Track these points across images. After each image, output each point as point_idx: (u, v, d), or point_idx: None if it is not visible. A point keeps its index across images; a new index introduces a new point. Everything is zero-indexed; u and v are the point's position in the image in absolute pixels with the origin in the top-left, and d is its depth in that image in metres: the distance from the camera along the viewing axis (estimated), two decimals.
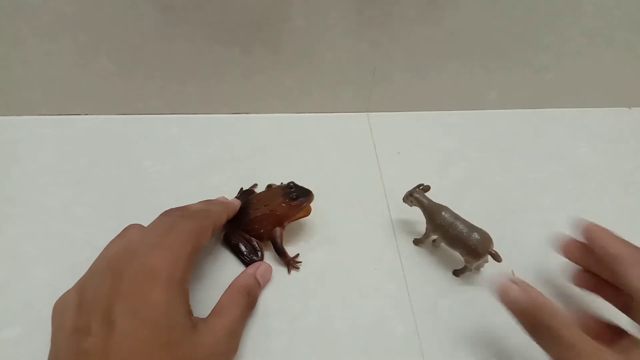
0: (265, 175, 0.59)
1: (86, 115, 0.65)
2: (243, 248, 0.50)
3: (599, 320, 0.42)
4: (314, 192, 0.50)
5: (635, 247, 0.40)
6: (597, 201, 0.59)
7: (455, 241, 0.48)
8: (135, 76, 0.61)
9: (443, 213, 0.48)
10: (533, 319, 0.36)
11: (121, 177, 0.58)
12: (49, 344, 0.39)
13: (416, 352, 0.45)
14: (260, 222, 0.50)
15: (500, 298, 0.39)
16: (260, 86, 0.64)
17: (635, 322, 0.37)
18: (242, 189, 0.57)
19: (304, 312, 0.47)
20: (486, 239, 0.47)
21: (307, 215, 0.51)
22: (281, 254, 0.49)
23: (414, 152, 0.64)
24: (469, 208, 0.57)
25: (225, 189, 0.57)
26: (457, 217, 0.48)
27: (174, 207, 0.46)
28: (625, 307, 0.41)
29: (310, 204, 0.50)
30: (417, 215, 0.53)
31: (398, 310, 0.48)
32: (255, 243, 0.50)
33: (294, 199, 0.48)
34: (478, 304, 0.48)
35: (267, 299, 0.47)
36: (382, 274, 0.50)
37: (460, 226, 0.47)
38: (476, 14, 0.60)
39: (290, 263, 0.49)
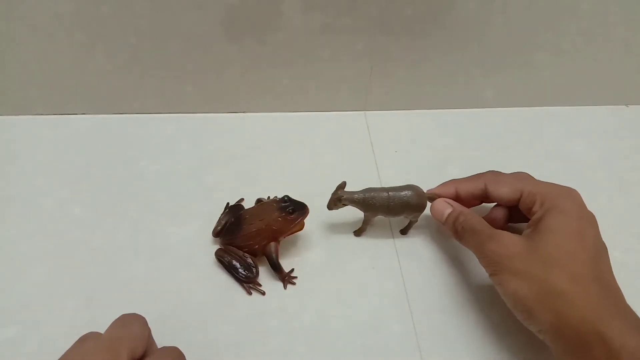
0: (262, 174, 0.59)
1: (82, 115, 0.64)
2: (237, 265, 0.48)
3: (502, 213, 0.50)
4: (308, 206, 0.49)
5: (483, 172, 0.51)
6: (595, 199, 0.59)
7: (398, 209, 0.50)
8: (131, 75, 0.61)
9: (374, 194, 0.49)
10: (459, 223, 0.47)
11: (117, 177, 0.58)
12: (45, 344, 0.38)
13: (414, 351, 0.45)
14: (254, 238, 0.48)
15: (436, 215, 0.50)
16: (257, 85, 0.64)
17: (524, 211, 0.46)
18: (228, 204, 0.55)
19: (302, 311, 0.47)
20: (418, 190, 0.50)
21: (301, 230, 0.50)
22: (277, 269, 0.48)
23: (411, 150, 0.64)
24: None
25: (222, 188, 0.57)
26: (385, 189, 0.50)
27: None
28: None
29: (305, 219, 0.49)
30: None
31: (396, 309, 0.48)
32: (249, 260, 0.49)
33: (290, 213, 0.48)
34: (476, 303, 0.48)
35: (264, 298, 0.47)
36: (379, 273, 0.50)
37: (396, 194, 0.49)
38: (473, 12, 0.59)
39: (286, 279, 0.48)
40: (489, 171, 0.51)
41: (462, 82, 0.67)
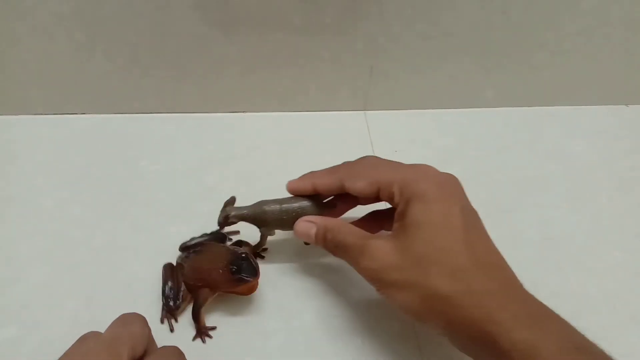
0: (262, 174, 0.59)
1: (82, 115, 0.64)
2: (167, 289, 0.46)
3: (374, 214, 0.48)
4: (259, 275, 0.43)
5: (342, 164, 0.47)
6: (594, 199, 0.59)
7: (293, 222, 0.46)
8: (131, 75, 0.61)
9: (266, 207, 0.46)
10: (328, 241, 0.43)
11: (117, 177, 0.58)
12: (45, 344, 0.38)
13: (414, 350, 0.45)
14: (194, 274, 0.46)
15: (302, 237, 0.45)
16: (257, 85, 0.64)
17: (387, 202, 0.43)
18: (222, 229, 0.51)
19: (301, 310, 0.47)
20: (314, 199, 0.47)
21: (248, 294, 0.45)
22: (195, 318, 0.44)
23: (411, 150, 0.63)
24: None
25: (222, 188, 0.57)
26: (279, 201, 0.47)
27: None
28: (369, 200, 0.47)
29: (257, 283, 0.44)
30: None
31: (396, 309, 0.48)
32: (182, 291, 0.46)
33: (232, 272, 0.42)
34: None
35: (263, 298, 0.47)
36: None
37: (289, 206, 0.46)
38: (473, 12, 0.59)
39: (202, 331, 0.44)
40: (344, 163, 0.47)
41: (462, 82, 0.67)
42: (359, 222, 0.47)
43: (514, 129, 0.68)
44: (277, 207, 0.46)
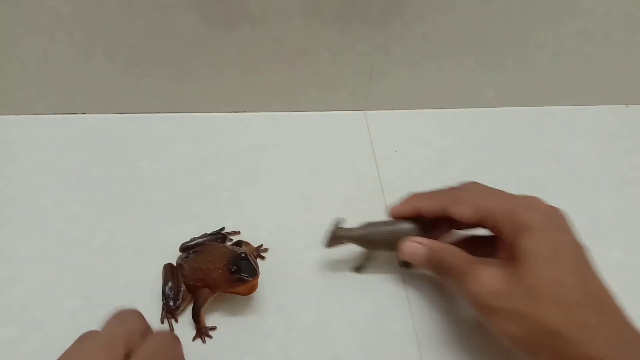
0: (262, 174, 0.59)
1: (82, 115, 0.64)
2: (167, 289, 0.46)
3: (472, 240, 0.48)
4: (259, 275, 0.43)
5: (447, 189, 0.47)
6: (594, 199, 0.59)
7: (397, 243, 0.46)
8: (131, 75, 0.61)
9: (375, 229, 0.47)
10: (435, 262, 0.43)
11: (118, 177, 0.58)
12: (45, 344, 0.38)
13: (414, 350, 0.45)
14: (194, 274, 0.46)
15: (408, 258, 0.46)
16: (257, 85, 0.64)
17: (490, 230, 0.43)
18: (223, 228, 0.52)
19: (301, 310, 0.47)
20: (418, 221, 0.47)
21: (247, 294, 0.45)
22: (195, 318, 0.44)
23: (411, 150, 0.63)
24: None
25: (222, 188, 0.57)
26: (385, 223, 0.47)
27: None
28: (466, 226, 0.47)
29: (256, 283, 0.44)
30: None
31: (395, 308, 0.48)
32: (182, 292, 0.46)
33: (232, 272, 0.43)
34: None
35: (263, 297, 0.47)
36: (379, 272, 0.50)
37: (397, 228, 0.47)
38: (473, 12, 0.59)
39: (202, 331, 0.44)
40: (448, 188, 0.47)
41: (462, 82, 0.67)
42: (455, 244, 0.46)
43: (514, 128, 0.68)
44: (385, 229, 0.47)
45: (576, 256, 0.38)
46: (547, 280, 0.36)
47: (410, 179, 0.59)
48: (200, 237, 0.51)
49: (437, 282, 0.50)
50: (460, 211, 0.43)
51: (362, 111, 0.68)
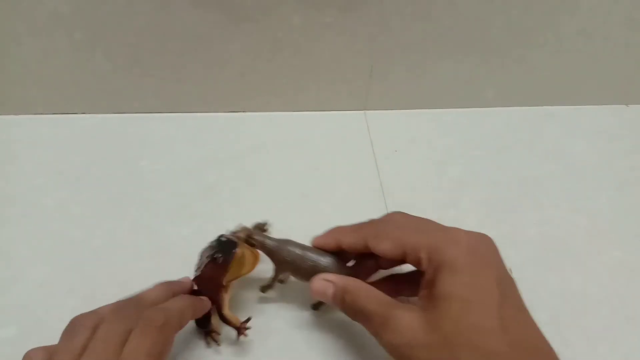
0: (262, 174, 0.59)
1: (82, 114, 0.64)
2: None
3: (395, 277, 0.44)
4: (238, 245, 0.42)
5: (369, 222, 0.43)
6: (594, 199, 0.59)
7: (309, 275, 0.43)
8: (131, 75, 0.61)
9: (287, 247, 0.43)
10: (346, 305, 0.39)
11: (117, 177, 0.58)
12: (45, 344, 0.38)
13: None
14: (199, 284, 0.44)
15: (316, 296, 0.42)
16: (257, 84, 0.64)
17: (414, 266, 0.39)
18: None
19: (301, 309, 0.47)
20: (339, 256, 0.44)
21: (252, 268, 0.43)
22: (225, 320, 0.43)
23: (411, 150, 0.63)
24: (466, 206, 0.57)
25: (222, 188, 0.57)
26: (303, 246, 0.44)
27: (124, 296, 0.41)
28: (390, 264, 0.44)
29: (243, 252, 0.42)
30: (415, 214, 0.53)
31: None
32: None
33: (215, 259, 0.41)
34: None
35: (263, 298, 0.47)
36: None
37: (310, 255, 0.43)
38: (473, 12, 0.59)
39: (239, 328, 0.42)
40: (370, 221, 0.43)
41: (462, 82, 0.67)
42: (378, 283, 0.43)
43: (514, 128, 0.68)
44: (297, 251, 0.43)
45: (501, 297, 0.34)
46: (466, 327, 0.33)
47: (410, 179, 0.59)
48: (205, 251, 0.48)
49: None
50: (382, 247, 0.39)
51: (362, 111, 0.68)
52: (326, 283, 0.41)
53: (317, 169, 0.60)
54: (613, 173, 0.62)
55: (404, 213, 0.42)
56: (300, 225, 0.54)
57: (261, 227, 0.47)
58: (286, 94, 0.65)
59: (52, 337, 0.38)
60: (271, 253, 0.44)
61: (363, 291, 0.39)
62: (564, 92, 0.70)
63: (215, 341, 0.43)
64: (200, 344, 0.44)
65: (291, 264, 0.43)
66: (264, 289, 0.46)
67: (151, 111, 0.65)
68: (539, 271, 0.51)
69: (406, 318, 0.35)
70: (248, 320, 0.43)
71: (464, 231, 0.38)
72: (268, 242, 0.44)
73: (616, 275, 0.51)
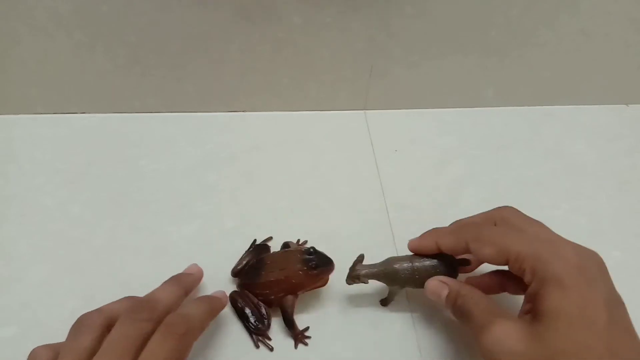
0: (262, 173, 0.59)
1: (82, 114, 0.64)
2: (249, 314, 0.45)
3: (499, 273, 0.44)
4: (334, 262, 0.44)
5: (470, 224, 0.44)
6: (594, 198, 0.59)
7: (422, 281, 0.44)
8: (131, 74, 0.61)
9: (397, 266, 0.44)
10: (455, 306, 0.40)
11: (117, 176, 0.58)
12: (46, 343, 0.38)
13: (413, 350, 0.45)
14: (271, 287, 0.45)
15: (431, 297, 0.43)
16: (257, 84, 0.64)
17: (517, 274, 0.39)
18: (255, 241, 0.51)
19: (301, 310, 0.47)
20: (447, 259, 0.44)
21: (323, 286, 0.46)
22: (290, 326, 0.44)
23: (411, 149, 0.63)
24: (466, 206, 0.57)
25: (222, 187, 0.57)
26: (410, 259, 0.45)
27: (136, 295, 0.41)
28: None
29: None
30: (415, 213, 0.53)
31: (395, 307, 0.48)
32: (263, 309, 0.45)
33: (313, 268, 0.43)
34: None
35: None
36: None
37: (422, 264, 0.44)
38: (473, 11, 0.59)
39: (299, 337, 0.44)
40: (471, 223, 0.44)
41: (462, 81, 0.67)
42: (484, 276, 0.44)
43: (513, 128, 0.68)
44: (409, 265, 0.44)
45: (610, 317, 0.33)
46: (572, 345, 0.33)
47: (410, 179, 0.59)
48: (246, 257, 0.49)
49: None
50: (484, 252, 0.39)
51: (362, 111, 0.68)
52: (441, 285, 0.42)
53: (317, 168, 0.60)
54: (613, 173, 0.62)
55: (514, 209, 0.43)
56: (300, 225, 0.54)
57: (361, 260, 0.46)
58: (286, 94, 0.65)
59: (52, 336, 0.38)
60: (384, 278, 0.45)
61: (471, 295, 0.40)
62: (563, 91, 0.70)
63: (269, 346, 0.44)
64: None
65: (406, 280, 0.44)
66: (385, 302, 0.48)
67: (151, 111, 0.65)
68: None
69: (509, 327, 0.35)
70: (307, 329, 0.45)
71: (572, 245, 0.38)
72: (376, 271, 0.45)
73: (616, 275, 0.51)
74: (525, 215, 0.42)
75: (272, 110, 0.67)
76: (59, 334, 0.37)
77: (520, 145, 0.65)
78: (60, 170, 0.58)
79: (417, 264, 0.44)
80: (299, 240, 0.52)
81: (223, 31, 0.58)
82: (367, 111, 0.68)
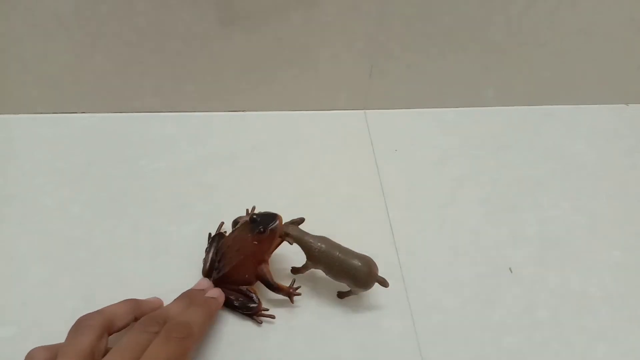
0: (262, 173, 0.59)
1: (82, 114, 0.64)
2: (237, 303, 0.46)
3: None
4: (280, 216, 0.45)
5: None
6: (594, 198, 0.59)
7: (339, 275, 0.45)
8: (131, 74, 0.61)
9: (324, 247, 0.45)
10: None
11: (117, 176, 0.58)
12: (45, 343, 0.38)
13: (414, 349, 0.45)
14: (239, 270, 0.46)
15: None
16: (257, 84, 0.64)
17: None
18: (210, 234, 0.51)
19: (301, 309, 0.47)
20: (371, 268, 0.45)
21: (285, 239, 0.46)
22: (276, 289, 0.45)
23: (411, 149, 0.63)
24: (466, 205, 0.57)
25: (222, 187, 0.57)
26: (338, 248, 0.45)
27: (136, 296, 0.43)
28: None
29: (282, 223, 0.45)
30: (415, 213, 0.53)
31: (396, 307, 0.48)
32: (247, 291, 0.46)
33: (262, 232, 0.44)
34: (476, 301, 0.48)
35: (263, 298, 0.47)
36: (379, 271, 0.50)
37: (345, 260, 0.44)
38: (473, 11, 0.59)
39: (290, 293, 0.45)
40: None
41: (462, 81, 0.67)
42: None
43: (513, 128, 0.68)
44: (335, 253, 0.45)
45: None
46: None
47: (410, 178, 0.59)
48: (208, 253, 0.49)
49: (437, 281, 0.50)
50: None
51: (362, 110, 0.68)
52: None
53: (317, 168, 0.60)
54: (613, 172, 0.62)
55: None
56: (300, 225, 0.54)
57: (298, 222, 0.47)
58: (286, 94, 0.65)
59: (51, 336, 0.38)
60: (306, 249, 0.45)
61: None
62: (563, 91, 0.70)
63: (270, 316, 0.46)
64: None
65: (324, 263, 0.45)
66: (295, 270, 0.48)
67: (151, 110, 0.65)
68: (538, 270, 0.51)
69: None
70: (293, 282, 0.46)
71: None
72: (306, 238, 0.45)
73: (616, 274, 0.51)
74: None
75: (272, 110, 0.67)
76: (59, 334, 0.37)
77: (520, 145, 0.65)
78: (60, 170, 0.58)
79: (342, 256, 0.44)
80: (247, 210, 0.52)
81: (223, 31, 0.58)
82: (367, 111, 0.68)
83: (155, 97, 0.64)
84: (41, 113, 0.64)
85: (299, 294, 0.46)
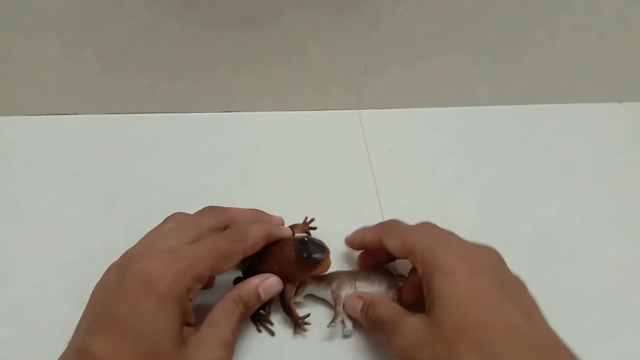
0: (256, 173, 0.59)
1: (75, 115, 0.64)
2: None
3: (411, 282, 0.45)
4: (329, 248, 0.44)
5: (387, 221, 0.47)
6: (588, 196, 0.59)
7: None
8: (123, 75, 0.61)
9: (342, 293, 0.45)
10: (367, 316, 0.42)
11: (111, 177, 0.57)
12: (39, 346, 0.38)
13: None
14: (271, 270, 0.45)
15: (349, 311, 0.44)
16: (250, 84, 0.64)
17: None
18: None
19: (301, 310, 0.46)
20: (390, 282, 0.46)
21: (325, 270, 0.45)
22: (288, 312, 0.45)
23: (405, 149, 0.63)
24: (461, 204, 0.57)
25: (216, 188, 0.57)
26: (353, 280, 0.46)
27: (212, 205, 0.46)
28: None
29: (329, 258, 0.45)
30: (409, 213, 0.53)
31: None
32: None
33: (305, 258, 0.43)
34: None
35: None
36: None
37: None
38: (466, 9, 0.59)
39: (298, 323, 0.44)
40: (392, 220, 0.46)
41: (456, 80, 0.67)
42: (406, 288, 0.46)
43: (508, 126, 0.68)
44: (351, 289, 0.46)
45: (501, 296, 0.35)
46: (464, 324, 0.34)
47: (404, 178, 0.59)
48: None
49: None
50: (390, 245, 0.42)
51: (356, 110, 0.68)
52: (357, 299, 0.44)
53: (311, 168, 0.60)
54: (607, 171, 0.63)
55: (431, 223, 0.44)
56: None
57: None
58: (280, 94, 0.65)
59: (45, 338, 0.38)
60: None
61: (382, 303, 0.42)
62: (557, 90, 0.70)
63: (270, 330, 0.45)
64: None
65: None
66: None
67: (144, 111, 0.65)
68: (533, 269, 0.50)
69: (411, 322, 0.37)
70: (307, 315, 0.45)
71: (463, 241, 0.41)
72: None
73: (610, 273, 0.51)
74: (442, 228, 0.44)
75: (265, 110, 0.66)
76: (53, 336, 0.37)
77: (515, 144, 0.65)
78: (53, 171, 0.58)
79: (360, 288, 0.46)
80: (306, 218, 0.52)
81: (216, 31, 0.58)
82: (361, 110, 0.68)
83: (148, 98, 0.64)
84: (34, 114, 0.64)
85: (305, 330, 0.45)
